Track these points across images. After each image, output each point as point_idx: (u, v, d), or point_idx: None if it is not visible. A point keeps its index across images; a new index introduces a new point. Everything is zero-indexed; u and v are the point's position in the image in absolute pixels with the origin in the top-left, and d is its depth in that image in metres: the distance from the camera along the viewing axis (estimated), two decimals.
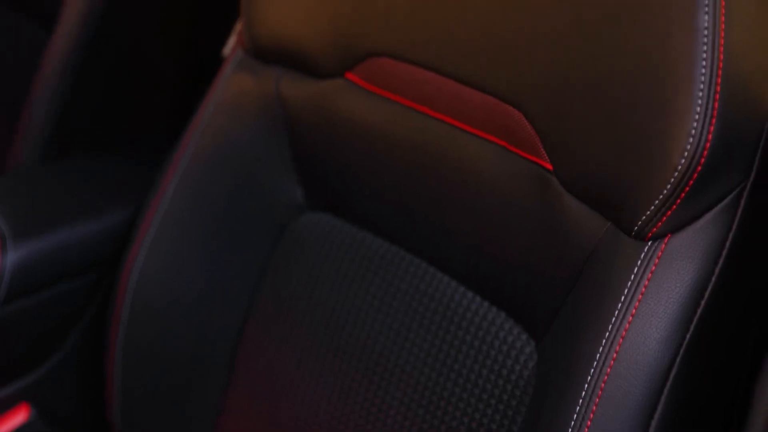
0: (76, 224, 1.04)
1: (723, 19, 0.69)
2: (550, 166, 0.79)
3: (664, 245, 0.72)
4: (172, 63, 1.23)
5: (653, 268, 0.72)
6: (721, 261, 0.72)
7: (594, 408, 0.72)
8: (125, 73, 1.21)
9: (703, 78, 0.69)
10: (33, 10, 1.37)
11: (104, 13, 1.19)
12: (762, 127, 0.71)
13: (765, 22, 0.71)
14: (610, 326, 0.72)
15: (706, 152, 0.69)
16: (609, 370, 0.72)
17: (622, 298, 0.72)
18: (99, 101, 1.20)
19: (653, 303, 0.71)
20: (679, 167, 0.70)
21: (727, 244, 0.72)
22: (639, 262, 0.72)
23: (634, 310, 0.72)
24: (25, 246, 1.00)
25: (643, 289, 0.72)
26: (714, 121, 0.69)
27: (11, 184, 1.10)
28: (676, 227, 0.72)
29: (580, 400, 0.72)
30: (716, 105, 0.69)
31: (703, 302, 0.71)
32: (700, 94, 0.69)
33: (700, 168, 0.69)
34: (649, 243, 0.73)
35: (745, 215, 0.72)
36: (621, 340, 0.72)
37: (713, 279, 0.71)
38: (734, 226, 0.72)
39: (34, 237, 1.01)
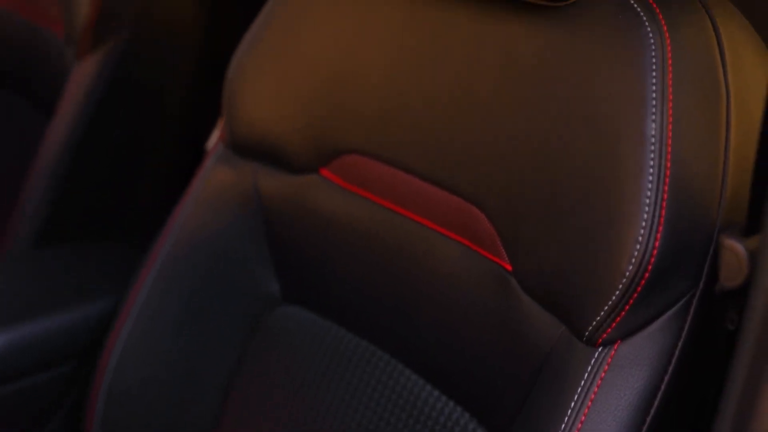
0: (56, 314, 1.06)
1: (671, 127, 0.70)
2: (509, 267, 0.79)
3: (614, 351, 0.72)
4: (164, 156, 1.25)
5: (603, 374, 0.72)
6: (670, 368, 0.71)
7: None
8: (120, 163, 1.24)
9: (650, 185, 0.69)
10: (33, 94, 1.40)
11: (102, 103, 1.22)
12: (710, 234, 0.71)
13: (712, 131, 0.71)
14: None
15: (653, 259, 0.69)
16: None
17: (572, 404, 0.72)
18: (92, 190, 1.23)
19: (602, 410, 0.71)
20: (627, 273, 0.70)
21: (677, 351, 0.71)
22: (589, 368, 0.72)
23: (583, 417, 0.72)
24: (2, 335, 1.01)
25: (593, 396, 0.72)
26: (661, 228, 0.69)
27: None
28: (626, 333, 0.72)
29: None
30: (663, 212, 0.69)
31: (652, 410, 0.71)
32: (647, 201, 0.69)
33: (647, 275, 0.70)
34: (600, 349, 0.73)
35: (694, 322, 0.72)
36: None
37: (662, 387, 0.71)
38: (684, 334, 0.72)
39: (12, 325, 1.02)
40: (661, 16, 0.72)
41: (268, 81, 0.97)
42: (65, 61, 1.32)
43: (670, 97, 0.70)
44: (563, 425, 0.72)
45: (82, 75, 1.25)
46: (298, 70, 0.95)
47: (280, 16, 0.97)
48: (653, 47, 0.71)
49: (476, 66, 0.81)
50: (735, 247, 0.64)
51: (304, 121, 0.94)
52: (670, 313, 0.72)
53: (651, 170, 0.69)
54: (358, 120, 0.90)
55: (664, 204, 0.69)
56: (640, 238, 0.69)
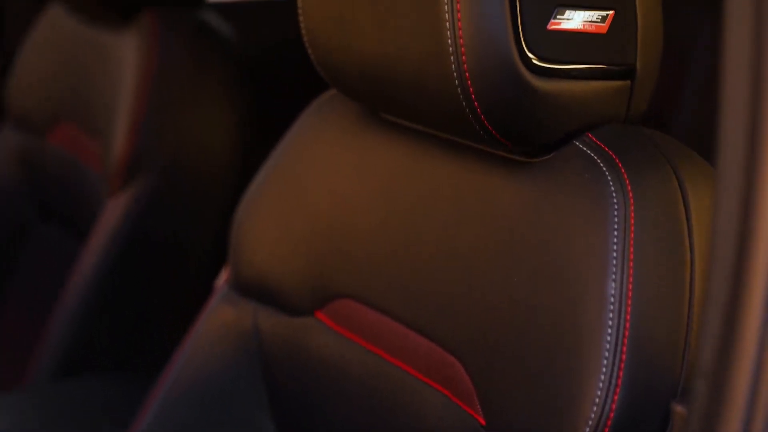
0: None
1: (631, 287, 0.70)
2: (483, 422, 0.79)
3: None
4: (185, 290, 1.28)
5: None
6: None
7: None
8: (142, 296, 1.27)
9: (608, 346, 0.69)
10: (75, 228, 1.45)
11: (128, 239, 1.26)
12: (671, 395, 0.70)
13: (676, 292, 0.71)
14: None
15: (610, 422, 0.68)
16: None
17: None
18: (115, 322, 1.26)
19: None
20: None
21: None
22: None
23: None
24: None
25: None
26: (618, 390, 0.68)
27: (12, 401, 1.14)
28: None
29: None
30: (621, 373, 0.68)
31: None
32: (605, 362, 0.69)
33: None
34: None
35: None
36: None
37: None
38: None
39: None
40: (625, 175, 0.73)
41: (270, 225, 0.99)
42: (101, 196, 1.37)
43: (631, 257, 0.70)
44: None
45: (112, 211, 1.30)
46: (298, 216, 0.97)
47: (283, 163, 1.00)
48: (615, 206, 0.71)
49: (458, 218, 0.83)
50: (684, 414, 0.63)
51: (302, 265, 0.96)
52: None
53: (609, 330, 0.69)
54: (350, 266, 0.92)
55: (622, 365, 0.68)
56: (597, 400, 0.68)
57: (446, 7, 0.73)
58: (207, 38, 1.38)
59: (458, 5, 0.72)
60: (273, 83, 1.48)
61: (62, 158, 1.49)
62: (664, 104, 1.40)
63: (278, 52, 1.25)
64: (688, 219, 0.72)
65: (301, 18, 0.89)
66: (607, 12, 0.75)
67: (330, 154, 0.95)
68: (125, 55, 1.36)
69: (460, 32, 0.72)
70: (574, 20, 0.74)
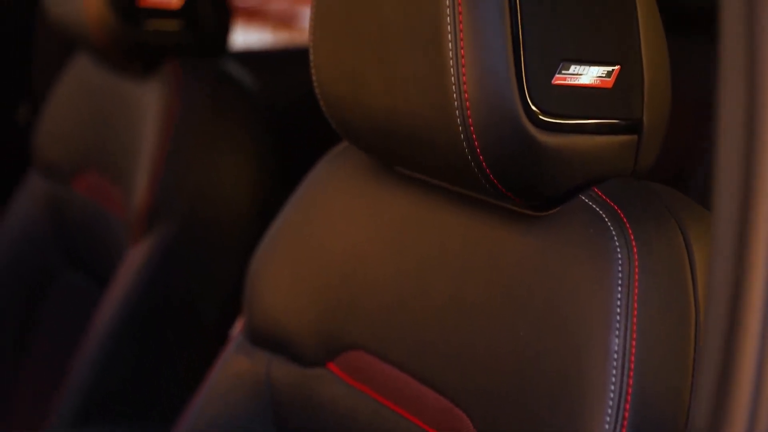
0: None
1: (634, 343, 0.69)
2: None
3: None
4: (203, 338, 1.29)
5: None
6: None
7: None
8: (161, 344, 1.28)
9: (611, 402, 0.69)
10: (100, 276, 1.47)
11: (147, 287, 1.27)
12: None
13: (681, 349, 0.70)
14: None
15: None
16: None
17: None
18: (133, 370, 1.27)
19: None
20: None
21: None
22: None
23: None
24: None
25: None
26: None
27: None
28: None
29: None
30: (624, 429, 0.68)
31: None
32: (608, 419, 0.68)
33: None
34: None
35: None
36: None
37: None
38: None
39: None
40: (630, 230, 0.73)
41: (284, 275, 1.00)
42: (124, 244, 1.38)
43: (635, 312, 0.70)
44: None
45: (132, 260, 1.31)
46: (311, 267, 0.98)
47: (297, 213, 1.01)
48: (620, 262, 0.71)
49: (466, 270, 0.83)
50: None
51: (314, 316, 0.97)
52: None
53: (612, 386, 0.69)
54: (362, 317, 0.92)
55: (625, 423, 0.68)
56: None
57: (451, 61, 0.73)
58: (228, 87, 1.40)
59: (463, 60, 0.73)
60: (294, 132, 1.50)
61: (87, 205, 1.51)
62: (684, 159, 1.39)
63: (299, 101, 1.26)
64: (692, 274, 0.72)
65: (313, 71, 0.90)
66: (613, 67, 0.75)
67: (342, 206, 0.96)
68: (148, 103, 1.38)
69: (465, 86, 0.73)
70: (579, 75, 0.75)
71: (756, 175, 0.49)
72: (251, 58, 1.86)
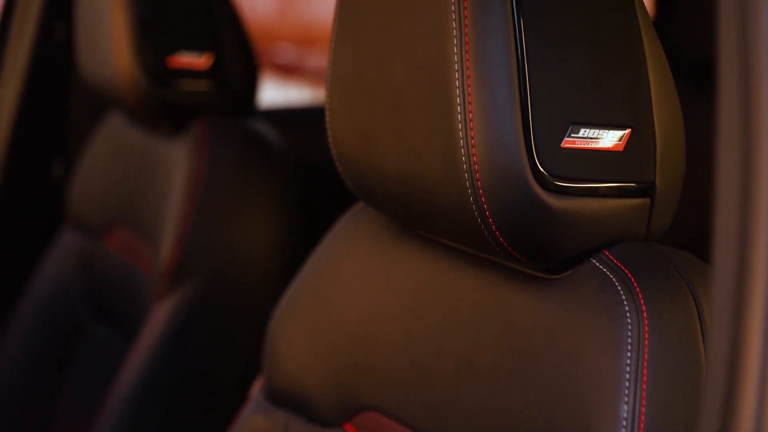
0: None
1: (643, 411, 0.69)
2: None
3: None
4: (223, 394, 1.29)
5: None
6: None
7: None
8: (183, 399, 1.28)
9: None
10: (127, 331, 1.48)
11: (171, 343, 1.28)
12: None
13: (689, 411, 0.69)
14: None
15: None
16: None
17: None
18: (155, 428, 1.27)
19: None
20: None
21: None
22: None
23: None
24: None
25: None
26: None
27: None
28: None
29: None
30: None
31: None
32: None
33: None
34: None
35: None
36: None
37: None
38: None
39: None
40: (640, 296, 0.72)
41: (301, 336, 1.00)
42: (151, 300, 1.40)
43: (645, 379, 0.69)
44: None
45: (157, 317, 1.32)
46: (327, 328, 0.98)
47: (314, 274, 1.01)
48: (629, 327, 0.71)
49: (479, 333, 0.83)
50: None
51: (331, 376, 0.97)
52: None
53: None
54: (377, 379, 0.92)
55: None
56: None
57: (460, 125, 0.74)
58: (255, 146, 1.41)
59: (471, 123, 0.73)
60: (321, 190, 1.51)
61: (117, 261, 1.53)
62: (701, 219, 1.38)
63: (326, 159, 1.28)
64: (704, 340, 0.71)
65: (329, 132, 0.91)
66: (624, 131, 0.75)
67: (358, 267, 0.96)
68: (176, 161, 1.39)
69: (474, 150, 0.73)
70: (589, 138, 0.74)
71: (751, 245, 0.49)
72: (279, 116, 1.88)
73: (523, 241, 0.76)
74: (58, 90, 1.77)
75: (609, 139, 0.75)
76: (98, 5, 1.42)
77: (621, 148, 0.75)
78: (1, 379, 1.56)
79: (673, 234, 0.83)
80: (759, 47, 0.49)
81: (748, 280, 0.49)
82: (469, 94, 0.73)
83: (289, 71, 5.01)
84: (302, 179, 1.43)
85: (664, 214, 0.78)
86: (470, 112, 0.73)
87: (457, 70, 0.73)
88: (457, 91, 0.73)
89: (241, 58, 1.45)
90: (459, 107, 0.73)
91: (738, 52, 0.49)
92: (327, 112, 0.90)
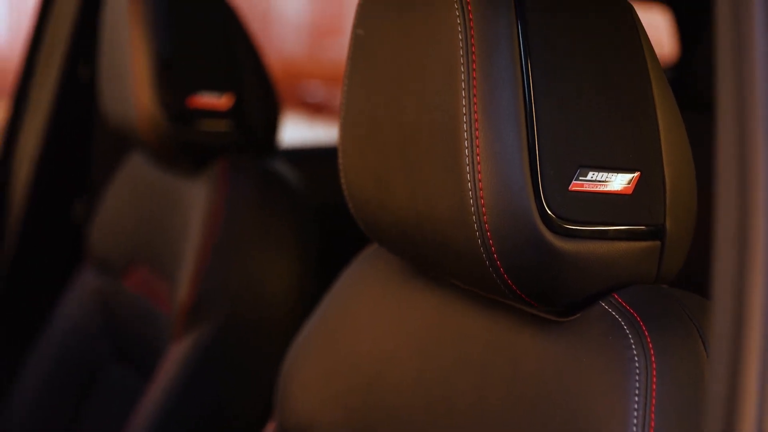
0: None
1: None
2: None
3: None
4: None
5: None
6: None
7: None
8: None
9: None
10: (147, 370, 1.48)
11: (187, 383, 1.28)
12: None
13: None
14: None
15: None
16: None
17: None
18: None
19: None
20: None
21: None
22: None
23: None
24: None
25: None
26: None
27: None
28: None
29: None
30: None
31: None
32: None
33: None
34: None
35: None
36: None
37: None
38: None
39: None
40: (648, 338, 0.71)
41: (314, 376, 1.00)
42: (167, 339, 1.40)
43: (652, 424, 0.68)
44: None
45: (173, 357, 1.32)
46: (340, 368, 0.97)
47: (327, 315, 1.01)
48: (637, 371, 0.70)
49: (488, 376, 0.82)
50: None
51: (342, 417, 0.96)
52: None
53: None
54: (388, 420, 0.91)
55: None
56: None
57: (468, 167, 0.74)
58: (274, 186, 1.42)
59: (479, 166, 0.73)
60: (340, 230, 1.51)
61: (135, 301, 1.53)
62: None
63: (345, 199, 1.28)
64: None
65: (341, 173, 0.91)
66: (633, 174, 0.75)
67: (370, 308, 0.96)
68: (195, 201, 1.40)
69: (481, 192, 0.73)
70: (598, 182, 0.74)
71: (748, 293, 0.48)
72: (300, 155, 1.89)
73: (531, 283, 0.75)
74: (82, 130, 1.78)
75: (618, 182, 0.74)
76: (121, 45, 1.43)
77: (630, 191, 0.75)
78: (20, 417, 1.56)
79: (685, 276, 0.82)
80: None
81: (746, 319, 0.49)
82: (477, 137, 0.73)
83: (318, 109, 5.04)
84: (321, 219, 1.43)
85: (675, 256, 0.77)
86: (478, 155, 0.73)
87: (465, 114, 0.73)
88: (465, 134, 0.73)
89: (262, 98, 1.45)
90: (467, 150, 0.73)
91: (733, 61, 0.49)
92: (340, 153, 0.91)
